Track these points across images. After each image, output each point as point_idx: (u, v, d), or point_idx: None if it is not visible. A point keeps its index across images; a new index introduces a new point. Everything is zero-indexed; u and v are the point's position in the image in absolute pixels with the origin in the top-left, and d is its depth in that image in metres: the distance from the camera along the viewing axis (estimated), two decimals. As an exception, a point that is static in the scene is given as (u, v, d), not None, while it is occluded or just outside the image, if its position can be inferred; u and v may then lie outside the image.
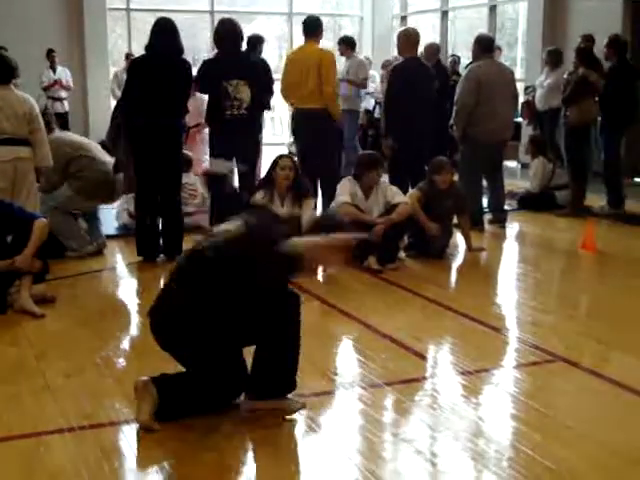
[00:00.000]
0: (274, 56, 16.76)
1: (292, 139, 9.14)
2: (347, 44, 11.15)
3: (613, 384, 4.12)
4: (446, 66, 11.82)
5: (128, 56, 14.03)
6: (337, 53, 10.83)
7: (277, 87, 8.12)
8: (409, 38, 7.84)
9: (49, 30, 13.62)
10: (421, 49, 9.26)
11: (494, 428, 3.70)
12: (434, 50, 10.53)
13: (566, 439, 3.54)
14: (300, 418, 3.75)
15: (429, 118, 7.69)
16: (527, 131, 11.47)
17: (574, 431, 3.62)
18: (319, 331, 5.20)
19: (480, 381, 4.25)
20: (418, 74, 7.70)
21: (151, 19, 6.96)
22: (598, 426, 3.69)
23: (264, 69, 8.99)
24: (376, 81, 13.43)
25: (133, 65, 6.69)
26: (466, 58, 12.02)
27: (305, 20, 7.46)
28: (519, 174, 11.54)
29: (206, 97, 7.20)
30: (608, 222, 8.49)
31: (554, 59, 10.74)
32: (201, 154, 10.19)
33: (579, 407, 3.92)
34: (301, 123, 7.29)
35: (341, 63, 10.54)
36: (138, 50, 14.07)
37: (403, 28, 8.27)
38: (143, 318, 5.36)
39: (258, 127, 6.97)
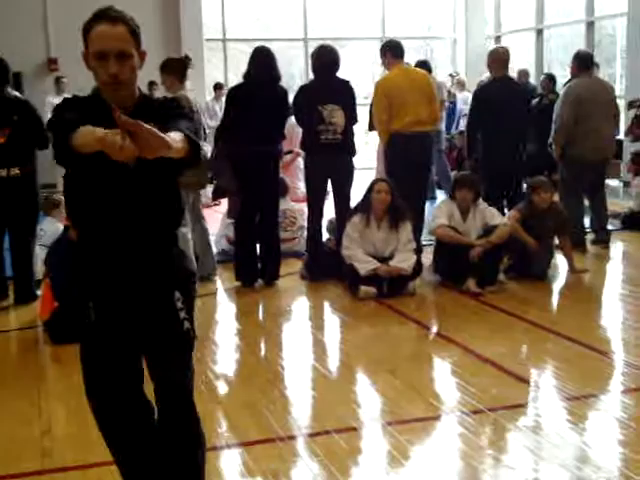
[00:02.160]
0: (367, 81, 16.81)
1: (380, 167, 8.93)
2: (423, 67, 11.19)
3: None
4: (535, 86, 11.96)
5: (217, 86, 14.31)
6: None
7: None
8: (495, 56, 7.75)
9: (149, 63, 13.96)
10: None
11: (602, 455, 3.57)
12: (524, 75, 10.59)
13: (680, 467, 3.40)
14: (402, 443, 3.71)
15: (521, 136, 7.55)
16: (629, 148, 11.16)
17: (689, 459, 3.48)
18: (419, 356, 5.17)
19: (586, 407, 4.12)
20: (506, 93, 7.58)
21: (246, 49, 7.07)
22: None
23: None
24: (470, 103, 13.34)
25: (232, 93, 6.81)
26: (562, 77, 11.81)
27: (395, 42, 7.38)
28: (622, 193, 11.24)
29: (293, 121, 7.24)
30: None
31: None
32: (296, 181, 10.32)
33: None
34: (415, 147, 7.08)
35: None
36: (233, 79, 14.34)
37: (492, 47, 8.14)
38: (243, 342, 5.43)
39: (352, 151, 6.97)
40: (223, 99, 8.76)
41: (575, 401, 4.15)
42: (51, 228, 6.86)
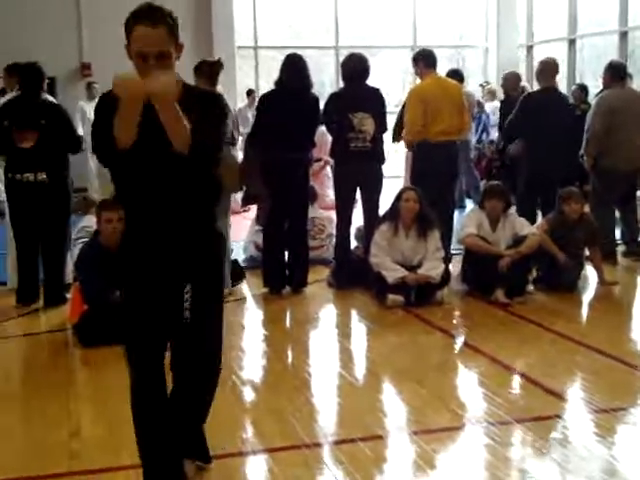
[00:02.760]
0: (398, 89, 16.82)
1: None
2: (455, 76, 11.24)
3: None
4: (567, 96, 11.85)
5: (250, 92, 14.38)
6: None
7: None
8: (544, 66, 7.80)
9: (180, 68, 14.11)
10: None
11: (630, 469, 3.54)
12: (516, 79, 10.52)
13: None
14: (426, 452, 3.70)
15: (561, 147, 7.50)
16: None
17: None
18: (445, 365, 5.16)
19: (615, 420, 4.08)
20: (554, 104, 7.57)
21: (277, 56, 7.10)
22: None
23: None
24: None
25: (263, 100, 6.84)
26: (594, 87, 11.72)
27: (427, 52, 7.40)
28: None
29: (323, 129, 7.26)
30: None
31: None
32: (325, 188, 10.33)
33: None
34: (442, 155, 7.09)
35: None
36: (264, 86, 14.40)
37: (543, 58, 8.23)
38: (270, 349, 5.44)
39: (382, 159, 6.96)
40: (255, 105, 8.80)
41: (603, 414, 4.11)
42: (92, 223, 6.86)
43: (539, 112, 7.45)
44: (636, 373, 4.78)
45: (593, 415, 4.12)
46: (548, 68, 7.75)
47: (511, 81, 10.15)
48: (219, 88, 6.78)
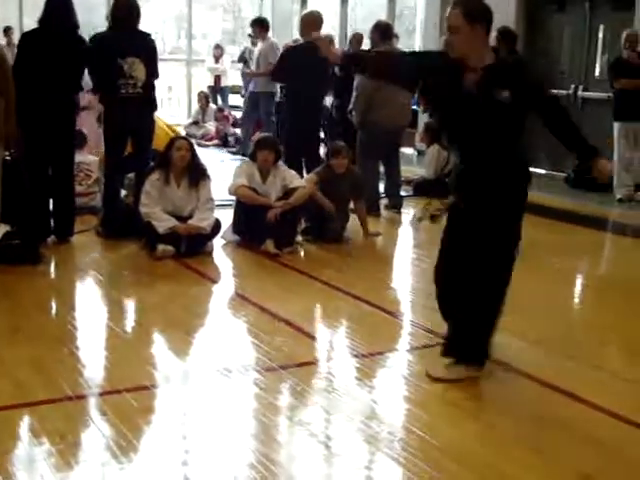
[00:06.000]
0: (173, 36, 16.49)
1: None
2: (261, 26, 11.05)
3: (501, 365, 4.22)
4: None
5: (7, 30, 13.56)
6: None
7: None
8: (307, 20, 7.90)
9: None
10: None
11: (387, 410, 3.75)
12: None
13: (455, 419, 3.63)
14: (193, 402, 3.71)
15: (319, 101, 7.72)
16: (423, 119, 11.60)
17: (463, 410, 3.71)
18: (215, 315, 5.19)
19: (374, 364, 4.29)
20: (314, 58, 7.69)
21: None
22: (485, 404, 3.81)
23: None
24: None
25: (24, 39, 6.45)
26: (365, 45, 12.09)
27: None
28: (415, 161, 11.70)
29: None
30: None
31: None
32: (93, 135, 9.96)
33: (468, 387, 3.97)
34: None
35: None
36: (30, 25, 13.62)
37: (306, 11, 8.32)
38: (32, 300, 5.19)
39: (154, 106, 6.80)
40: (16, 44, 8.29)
41: (364, 359, 4.31)
42: None
43: (299, 67, 7.58)
44: (394, 320, 5.05)
45: (354, 360, 4.31)
46: (308, 22, 7.86)
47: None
48: None
